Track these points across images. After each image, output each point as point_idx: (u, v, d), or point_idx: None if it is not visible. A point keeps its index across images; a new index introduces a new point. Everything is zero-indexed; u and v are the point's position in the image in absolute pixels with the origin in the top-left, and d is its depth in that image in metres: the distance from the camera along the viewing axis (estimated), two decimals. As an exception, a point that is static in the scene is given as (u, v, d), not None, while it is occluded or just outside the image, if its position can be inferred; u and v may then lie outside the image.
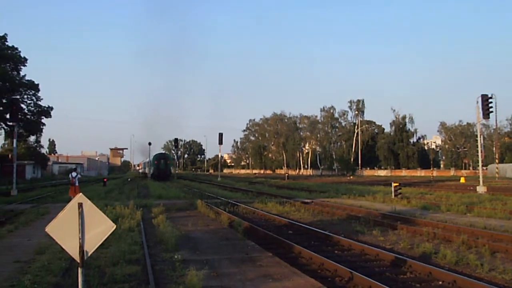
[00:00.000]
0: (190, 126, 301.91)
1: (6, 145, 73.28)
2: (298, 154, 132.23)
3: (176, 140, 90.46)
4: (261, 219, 19.14)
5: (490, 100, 34.24)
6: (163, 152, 77.40)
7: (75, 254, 5.22)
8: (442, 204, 22.63)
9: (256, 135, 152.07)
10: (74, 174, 24.68)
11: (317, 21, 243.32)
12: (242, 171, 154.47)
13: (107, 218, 5.39)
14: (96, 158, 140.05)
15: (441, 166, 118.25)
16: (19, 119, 45.04)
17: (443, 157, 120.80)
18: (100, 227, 5.29)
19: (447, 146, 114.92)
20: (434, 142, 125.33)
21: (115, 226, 5.45)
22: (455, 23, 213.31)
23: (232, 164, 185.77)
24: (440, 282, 8.81)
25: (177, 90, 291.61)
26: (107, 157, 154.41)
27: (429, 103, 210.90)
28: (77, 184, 24.34)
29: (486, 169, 78.51)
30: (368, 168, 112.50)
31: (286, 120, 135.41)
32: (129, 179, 69.19)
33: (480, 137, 40.90)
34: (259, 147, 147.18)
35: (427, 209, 21.05)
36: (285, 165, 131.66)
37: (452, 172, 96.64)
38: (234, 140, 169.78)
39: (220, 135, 68.75)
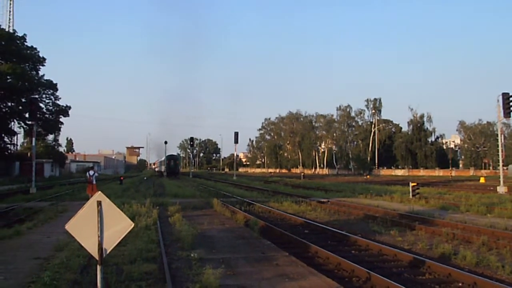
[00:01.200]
0: (205, 125, 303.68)
1: (25, 144, 74.36)
2: (313, 153, 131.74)
3: (191, 139, 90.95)
4: (277, 218, 19.10)
5: (511, 99, 33.66)
6: (173, 154, 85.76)
7: (94, 251, 5.25)
8: (462, 204, 22.25)
9: (272, 134, 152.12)
10: (91, 172, 24.95)
11: (333, 20, 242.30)
12: (258, 170, 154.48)
13: (125, 216, 5.41)
14: (113, 157, 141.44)
15: (460, 165, 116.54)
16: (38, 118, 45.74)
17: (462, 157, 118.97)
18: (118, 225, 5.31)
19: (466, 145, 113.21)
20: (453, 141, 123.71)
21: (133, 224, 5.47)
22: (475, 20, 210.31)
23: (248, 163, 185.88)
24: (460, 284, 8.68)
25: (193, 89, 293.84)
26: (123, 156, 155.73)
27: (448, 101, 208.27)
28: (94, 182, 24.60)
29: (507, 169, 77.11)
30: (385, 168, 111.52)
31: (302, 119, 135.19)
32: (145, 178, 69.74)
33: (501, 136, 40.24)
34: (274, 146, 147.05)
35: (445, 210, 20.77)
36: (300, 164, 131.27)
37: (471, 172, 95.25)
38: (250, 139, 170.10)
39: (236, 134, 68.86)
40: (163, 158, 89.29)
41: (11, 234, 12.68)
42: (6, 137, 60.81)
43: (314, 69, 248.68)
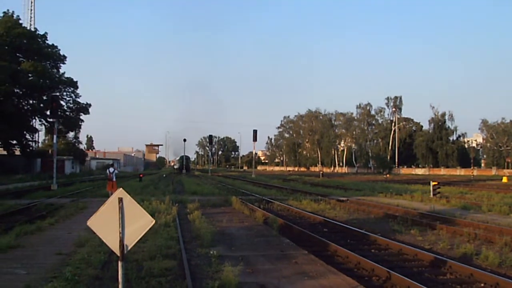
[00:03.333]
0: (224, 123, 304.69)
1: (46, 141, 75.68)
2: (333, 152, 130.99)
3: (210, 136, 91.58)
4: (295, 216, 19.05)
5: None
6: (185, 155, 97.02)
7: (115, 247, 5.30)
8: (483, 204, 21.87)
9: (291, 132, 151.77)
10: (111, 169, 25.20)
11: (354, 17, 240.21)
12: (276, 168, 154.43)
13: (146, 213, 5.45)
14: (132, 154, 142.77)
15: (482, 165, 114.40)
16: (58, 116, 46.43)
17: (484, 156, 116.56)
18: (139, 222, 5.35)
19: (488, 144, 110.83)
20: (475, 140, 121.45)
21: (154, 221, 5.50)
22: (498, 16, 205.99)
23: (266, 161, 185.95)
24: (482, 284, 8.54)
25: (213, 87, 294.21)
26: (142, 153, 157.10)
27: (470, 100, 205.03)
28: (114, 179, 24.83)
29: (530, 168, 75.52)
30: (405, 167, 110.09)
31: (321, 117, 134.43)
32: (164, 175, 70.26)
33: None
34: (293, 144, 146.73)
35: (467, 209, 20.44)
36: (319, 162, 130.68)
37: (493, 171, 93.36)
38: (268, 137, 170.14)
39: (255, 132, 68.84)
40: (178, 158, 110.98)
41: (33, 230, 12.89)
42: (27, 134, 61.77)
43: (334, 67, 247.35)
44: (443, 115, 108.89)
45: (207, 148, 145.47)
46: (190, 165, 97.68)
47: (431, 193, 26.17)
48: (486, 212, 19.53)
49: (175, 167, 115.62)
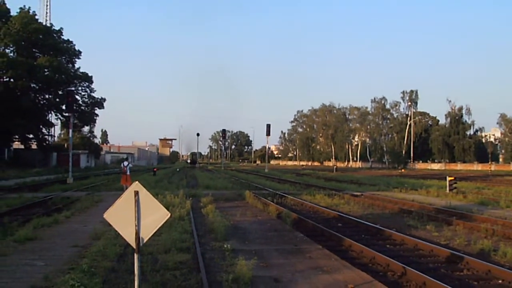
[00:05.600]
0: (238, 117, 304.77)
1: (62, 135, 76.52)
2: (347, 146, 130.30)
3: (223, 131, 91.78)
4: (309, 211, 19.00)
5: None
6: (194, 151, 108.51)
7: (131, 240, 5.33)
8: (501, 199, 21.48)
9: (304, 126, 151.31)
10: (126, 163, 25.42)
11: (369, 11, 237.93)
12: (289, 163, 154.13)
13: (162, 206, 5.47)
14: (146, 148, 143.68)
15: (500, 160, 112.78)
16: (74, 110, 46.86)
17: (503, 151, 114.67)
18: (155, 215, 5.37)
19: (507, 139, 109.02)
20: (493, 135, 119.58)
21: (169, 214, 5.53)
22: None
23: (279, 155, 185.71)
24: (500, 281, 8.41)
25: (226, 82, 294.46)
26: (156, 148, 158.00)
27: (488, 94, 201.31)
28: (128, 173, 25.04)
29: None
30: (421, 161, 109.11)
31: (335, 111, 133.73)
32: (177, 169, 70.61)
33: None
34: (307, 138, 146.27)
35: (484, 205, 20.17)
36: (333, 157, 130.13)
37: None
38: (282, 132, 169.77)
39: (268, 126, 68.67)
40: (189, 153, 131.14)
41: (50, 223, 13.08)
42: (44, 129, 62.68)
43: (348, 60, 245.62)
44: (460, 109, 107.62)
45: (220, 143, 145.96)
46: (197, 160, 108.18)
47: (447, 188, 25.90)
48: (504, 208, 19.21)
49: (188, 161, 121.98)
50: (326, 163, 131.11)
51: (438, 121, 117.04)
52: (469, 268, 9.30)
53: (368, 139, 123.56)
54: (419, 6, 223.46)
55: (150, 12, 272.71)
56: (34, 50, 57.52)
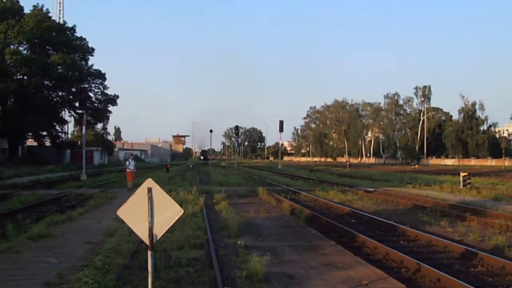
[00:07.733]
0: (251, 114, 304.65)
1: (75, 132, 77.10)
2: (360, 142, 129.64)
3: (236, 127, 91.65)
4: (322, 207, 18.93)
5: None
6: (205, 148, 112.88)
7: (145, 237, 5.34)
8: (516, 195, 21.29)
9: (317, 122, 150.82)
10: (127, 163, 25.66)
11: (382, 5, 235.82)
12: (303, 159, 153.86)
13: (175, 203, 5.47)
14: (159, 145, 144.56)
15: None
16: (87, 107, 47.18)
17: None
18: (168, 212, 5.37)
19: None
20: (507, 130, 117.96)
21: (183, 211, 5.52)
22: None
23: (292, 151, 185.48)
24: (516, 278, 8.29)
25: (239, 79, 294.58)
26: (169, 144, 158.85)
27: (501, 89, 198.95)
28: (131, 169, 25.09)
29: None
30: (434, 157, 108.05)
31: (348, 107, 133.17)
32: (191, 166, 70.83)
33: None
34: (320, 134, 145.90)
35: (499, 200, 19.94)
36: (346, 153, 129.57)
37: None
38: (295, 128, 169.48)
39: (281, 122, 68.62)
40: (200, 150, 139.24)
41: (64, 219, 13.14)
42: (57, 126, 63.13)
43: (361, 56, 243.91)
44: (474, 104, 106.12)
45: (233, 139, 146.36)
46: (208, 156, 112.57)
47: (461, 184, 25.63)
48: (519, 203, 18.98)
49: (201, 158, 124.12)
50: (339, 159, 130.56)
51: (451, 116, 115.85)
52: (484, 264, 9.20)
53: (381, 135, 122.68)
54: (432, 2, 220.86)
55: (163, 7, 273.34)
56: (47, 47, 57.92)
